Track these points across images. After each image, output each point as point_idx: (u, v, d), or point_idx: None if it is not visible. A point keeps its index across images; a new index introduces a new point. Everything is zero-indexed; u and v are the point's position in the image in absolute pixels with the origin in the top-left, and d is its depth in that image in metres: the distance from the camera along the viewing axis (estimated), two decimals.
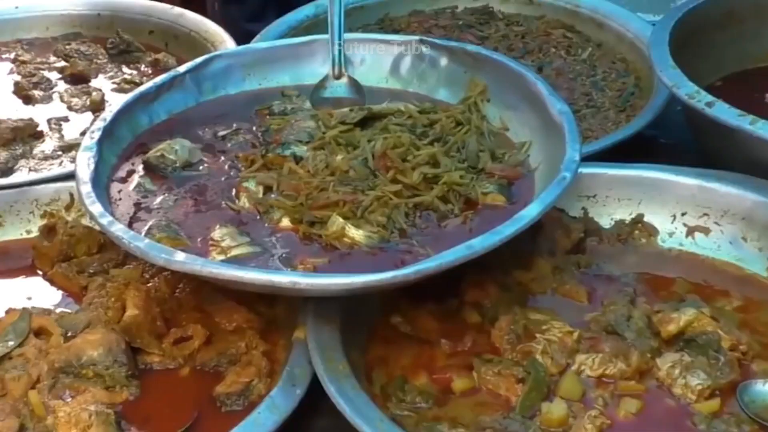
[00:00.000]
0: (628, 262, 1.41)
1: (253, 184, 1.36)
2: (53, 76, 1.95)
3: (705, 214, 1.41)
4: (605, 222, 1.46)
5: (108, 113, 1.45)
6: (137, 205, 1.35)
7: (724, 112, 1.44)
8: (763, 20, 1.76)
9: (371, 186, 1.32)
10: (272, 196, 1.34)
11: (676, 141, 1.72)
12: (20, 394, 1.23)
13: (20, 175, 1.63)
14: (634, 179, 1.45)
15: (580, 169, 1.30)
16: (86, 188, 1.31)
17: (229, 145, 1.46)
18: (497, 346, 1.26)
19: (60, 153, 1.70)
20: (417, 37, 1.59)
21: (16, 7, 2.10)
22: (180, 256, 1.19)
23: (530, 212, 1.22)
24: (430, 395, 1.21)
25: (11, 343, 1.29)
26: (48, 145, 1.73)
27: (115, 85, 1.91)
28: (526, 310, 1.30)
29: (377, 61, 1.59)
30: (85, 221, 1.49)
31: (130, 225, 1.30)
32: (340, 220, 1.27)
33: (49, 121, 1.79)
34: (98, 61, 1.98)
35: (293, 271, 1.22)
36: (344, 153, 1.37)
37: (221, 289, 1.33)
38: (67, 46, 2.01)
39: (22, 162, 1.67)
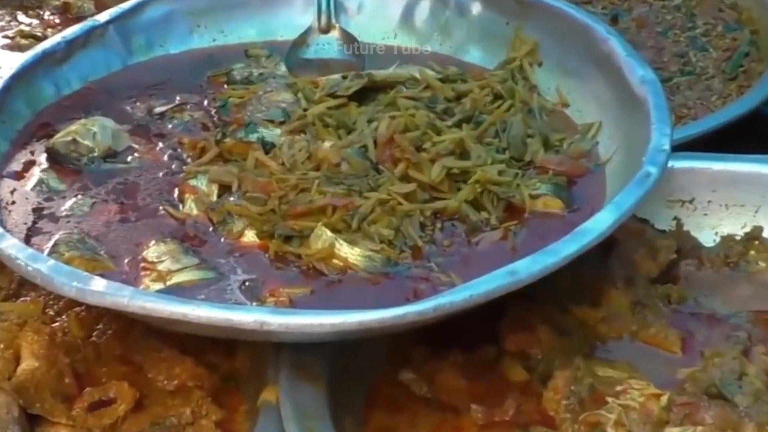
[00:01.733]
0: (739, 296, 1.41)
1: (205, 182, 1.36)
2: None
3: None
4: (707, 238, 1.47)
5: None
6: (38, 212, 1.36)
7: None
8: None
9: (372, 185, 1.32)
10: (231, 199, 1.34)
11: None
12: None
13: None
14: (749, 177, 1.46)
15: (670, 162, 1.30)
16: None
17: (170, 126, 1.48)
18: (551, 415, 1.26)
19: None
20: None
21: None
22: (99, 284, 1.19)
23: (599, 224, 1.22)
24: None
25: None
26: None
27: (7, 41, 1.92)
28: (592, 362, 1.30)
29: (382, 8, 1.61)
30: None
31: (27, 240, 1.30)
32: (328, 233, 1.27)
33: None
34: None
35: (260, 305, 1.22)
36: (334, 138, 1.38)
37: (158, 333, 1.33)
38: None
39: None
